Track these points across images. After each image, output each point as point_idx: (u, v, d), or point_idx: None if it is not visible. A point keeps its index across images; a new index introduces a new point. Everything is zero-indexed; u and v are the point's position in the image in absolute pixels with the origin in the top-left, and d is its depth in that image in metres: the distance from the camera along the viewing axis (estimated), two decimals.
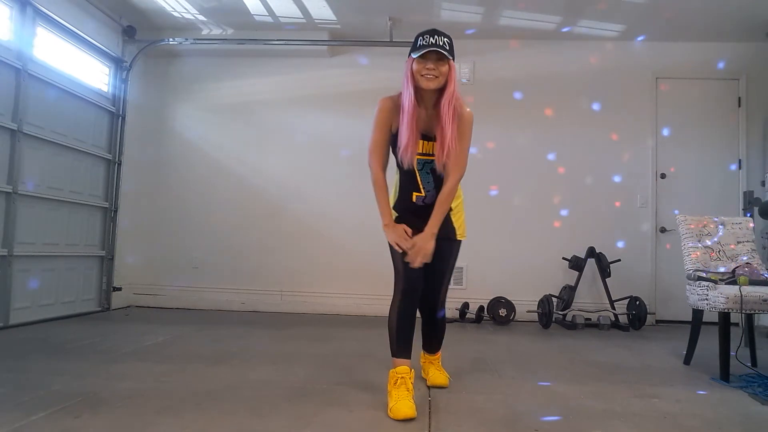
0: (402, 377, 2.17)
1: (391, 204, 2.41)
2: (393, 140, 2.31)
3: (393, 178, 2.45)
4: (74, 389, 2.29)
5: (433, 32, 2.20)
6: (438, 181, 2.33)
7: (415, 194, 2.36)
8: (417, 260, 2.21)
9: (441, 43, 2.17)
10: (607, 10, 4.54)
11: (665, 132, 5.03)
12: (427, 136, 2.29)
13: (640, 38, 4.98)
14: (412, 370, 2.24)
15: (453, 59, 2.22)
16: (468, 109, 2.31)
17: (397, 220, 2.35)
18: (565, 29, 4.88)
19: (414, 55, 2.20)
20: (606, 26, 4.83)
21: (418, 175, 2.33)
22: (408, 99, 2.20)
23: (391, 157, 2.38)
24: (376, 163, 2.31)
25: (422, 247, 2.21)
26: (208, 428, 1.90)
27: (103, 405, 2.08)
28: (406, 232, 2.27)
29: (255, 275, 5.16)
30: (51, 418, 1.93)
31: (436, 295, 2.44)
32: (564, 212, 5.02)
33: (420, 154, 2.29)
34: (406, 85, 2.23)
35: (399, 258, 2.28)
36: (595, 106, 5.09)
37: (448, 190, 2.28)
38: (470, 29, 4.93)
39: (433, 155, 2.28)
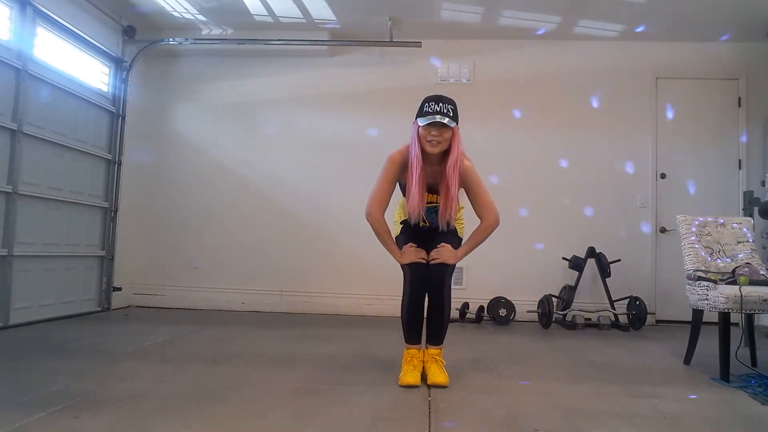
0: (412, 356, 2.60)
1: (399, 219, 2.74)
2: (401, 186, 2.64)
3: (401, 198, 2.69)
4: (74, 389, 2.29)
5: (438, 99, 2.44)
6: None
7: (421, 223, 2.66)
8: (437, 260, 2.53)
9: (445, 111, 2.41)
10: (607, 10, 4.54)
11: (665, 132, 5.02)
12: (432, 189, 2.57)
13: (639, 29, 4.93)
14: (421, 351, 2.64)
15: (457, 123, 2.45)
16: (467, 162, 2.55)
17: (406, 230, 2.67)
18: (566, 28, 4.88)
19: (420, 123, 2.44)
20: (606, 26, 4.83)
21: (423, 215, 2.61)
22: (416, 159, 2.47)
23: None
24: (378, 210, 2.58)
25: (445, 258, 2.53)
26: (208, 428, 1.90)
27: (103, 405, 2.08)
28: (415, 247, 2.57)
29: (255, 275, 5.16)
30: (51, 418, 1.93)
31: (442, 276, 2.56)
32: (563, 212, 5.01)
33: (426, 203, 2.57)
34: (413, 145, 2.48)
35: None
36: (595, 106, 5.09)
37: (483, 229, 2.61)
38: (470, 29, 4.93)
39: (437, 204, 2.57)
